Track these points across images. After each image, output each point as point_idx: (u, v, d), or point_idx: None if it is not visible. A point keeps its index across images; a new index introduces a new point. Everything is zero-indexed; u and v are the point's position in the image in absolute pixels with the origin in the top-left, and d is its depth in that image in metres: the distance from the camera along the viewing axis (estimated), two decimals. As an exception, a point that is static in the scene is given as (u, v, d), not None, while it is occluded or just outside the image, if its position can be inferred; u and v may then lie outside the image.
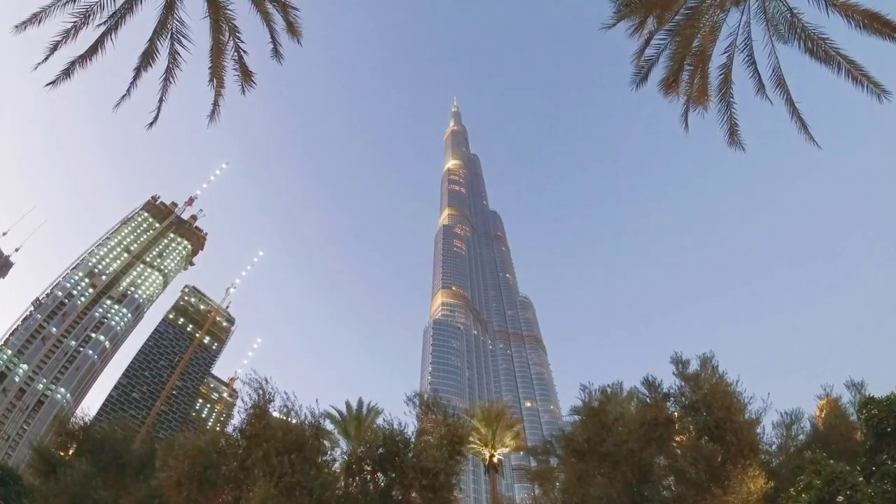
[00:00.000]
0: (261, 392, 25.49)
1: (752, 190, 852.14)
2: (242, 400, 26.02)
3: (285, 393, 26.16)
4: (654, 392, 28.16)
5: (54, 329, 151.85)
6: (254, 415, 24.82)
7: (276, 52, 12.46)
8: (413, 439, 26.32)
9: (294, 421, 25.30)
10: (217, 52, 11.95)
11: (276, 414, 25.50)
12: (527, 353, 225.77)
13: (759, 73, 11.69)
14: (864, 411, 24.04)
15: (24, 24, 10.40)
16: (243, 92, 12.34)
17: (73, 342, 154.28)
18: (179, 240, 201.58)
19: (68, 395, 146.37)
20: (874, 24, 10.20)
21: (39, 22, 10.43)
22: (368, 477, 25.42)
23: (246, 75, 12.36)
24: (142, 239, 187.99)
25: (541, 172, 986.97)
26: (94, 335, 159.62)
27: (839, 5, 10.24)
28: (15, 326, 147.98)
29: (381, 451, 25.08)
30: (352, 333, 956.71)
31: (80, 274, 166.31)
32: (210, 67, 12.10)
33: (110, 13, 10.73)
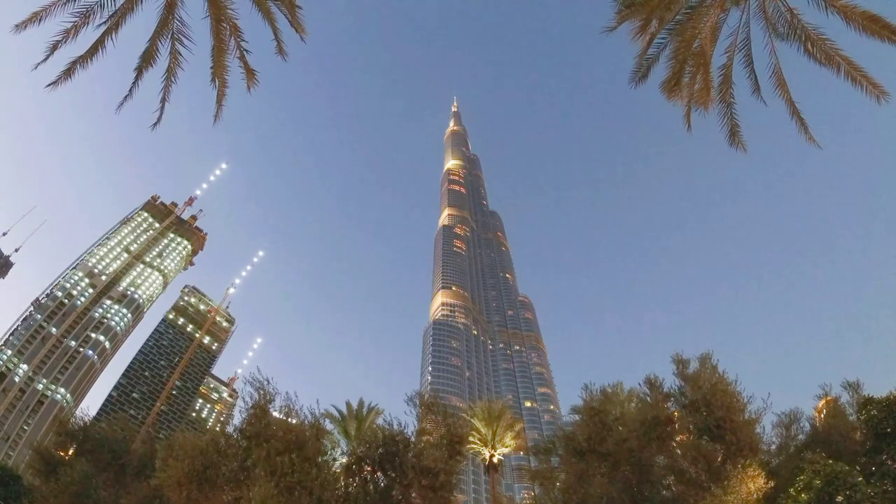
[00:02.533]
0: (262, 391, 25.49)
1: (751, 189, 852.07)
2: (244, 400, 26.05)
3: (285, 392, 26.19)
4: (655, 391, 28.16)
5: (54, 329, 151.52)
6: (254, 414, 24.82)
7: (280, 50, 12.42)
8: (413, 439, 26.35)
9: (294, 421, 25.31)
10: (219, 52, 11.93)
11: (276, 414, 25.51)
12: (527, 353, 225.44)
13: (755, 74, 11.68)
14: (863, 411, 24.06)
15: (25, 24, 10.38)
16: (249, 90, 12.34)
17: (73, 342, 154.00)
18: (179, 240, 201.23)
19: (68, 395, 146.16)
20: (873, 25, 10.19)
21: (40, 22, 10.41)
22: (368, 477, 25.43)
23: (250, 75, 12.35)
24: (142, 239, 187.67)
25: (540, 172, 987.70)
26: (93, 335, 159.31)
27: (839, 7, 10.23)
28: (15, 326, 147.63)
29: (381, 450, 25.09)
30: (352, 333, 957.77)
31: (80, 274, 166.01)
32: (212, 67, 12.08)
33: (110, 13, 10.71)
